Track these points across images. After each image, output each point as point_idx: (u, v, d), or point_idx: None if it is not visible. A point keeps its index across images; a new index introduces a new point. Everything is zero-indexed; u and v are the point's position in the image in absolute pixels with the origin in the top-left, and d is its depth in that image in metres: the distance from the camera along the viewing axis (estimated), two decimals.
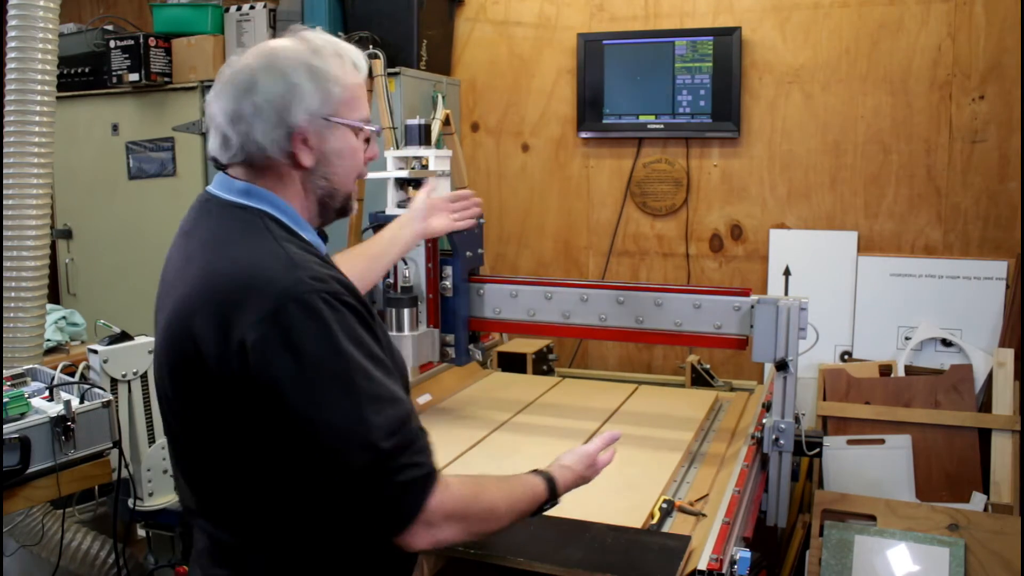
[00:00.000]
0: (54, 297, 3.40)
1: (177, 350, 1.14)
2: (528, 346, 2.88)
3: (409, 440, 1.10)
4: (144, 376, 1.95)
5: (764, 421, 2.07)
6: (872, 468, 2.73)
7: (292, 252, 1.14)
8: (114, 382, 1.89)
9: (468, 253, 2.33)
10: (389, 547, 1.13)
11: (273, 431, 1.08)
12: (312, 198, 1.25)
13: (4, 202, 2.11)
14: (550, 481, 1.37)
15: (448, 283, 2.27)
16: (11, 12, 2.09)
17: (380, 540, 1.13)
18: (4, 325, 2.11)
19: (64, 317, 2.58)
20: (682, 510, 1.80)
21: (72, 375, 1.86)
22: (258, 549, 1.19)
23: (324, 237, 1.30)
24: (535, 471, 1.38)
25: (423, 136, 2.33)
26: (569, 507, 1.76)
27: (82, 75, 3.53)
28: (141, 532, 2.00)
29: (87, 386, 1.77)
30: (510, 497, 1.28)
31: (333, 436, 1.06)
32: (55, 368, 1.88)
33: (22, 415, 1.65)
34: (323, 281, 1.11)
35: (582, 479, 1.45)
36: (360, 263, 1.74)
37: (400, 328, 2.18)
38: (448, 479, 1.15)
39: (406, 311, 2.18)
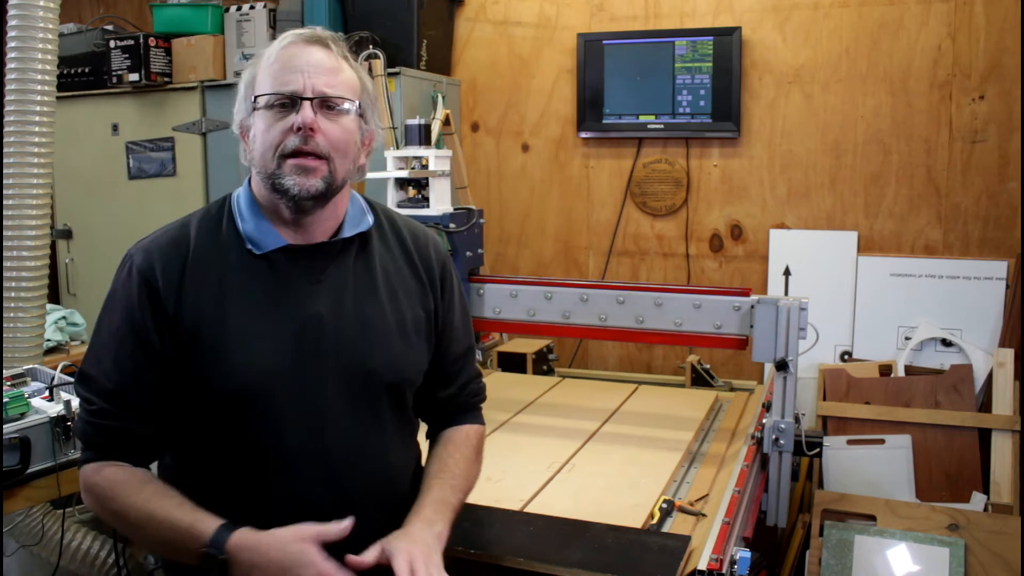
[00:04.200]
0: (54, 297, 3.40)
1: None
2: (528, 346, 2.88)
3: (86, 402, 1.25)
4: None
5: (764, 421, 2.08)
6: (872, 468, 2.73)
7: (173, 225, 1.31)
8: None
9: (468, 253, 2.33)
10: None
11: None
12: (261, 183, 1.28)
13: (4, 202, 2.11)
14: (221, 534, 1.15)
15: None
16: (11, 12, 2.09)
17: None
18: (4, 325, 2.11)
19: (64, 317, 2.58)
20: (682, 510, 1.80)
21: (72, 375, 1.86)
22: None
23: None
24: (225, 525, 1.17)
25: (423, 136, 2.33)
26: (569, 507, 1.76)
27: (82, 75, 3.53)
28: None
29: None
30: (144, 514, 1.19)
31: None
32: (55, 368, 1.88)
33: (22, 415, 1.65)
34: (139, 248, 1.29)
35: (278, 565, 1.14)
36: None
37: None
38: (111, 467, 1.24)
39: None
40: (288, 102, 1.23)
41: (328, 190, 1.25)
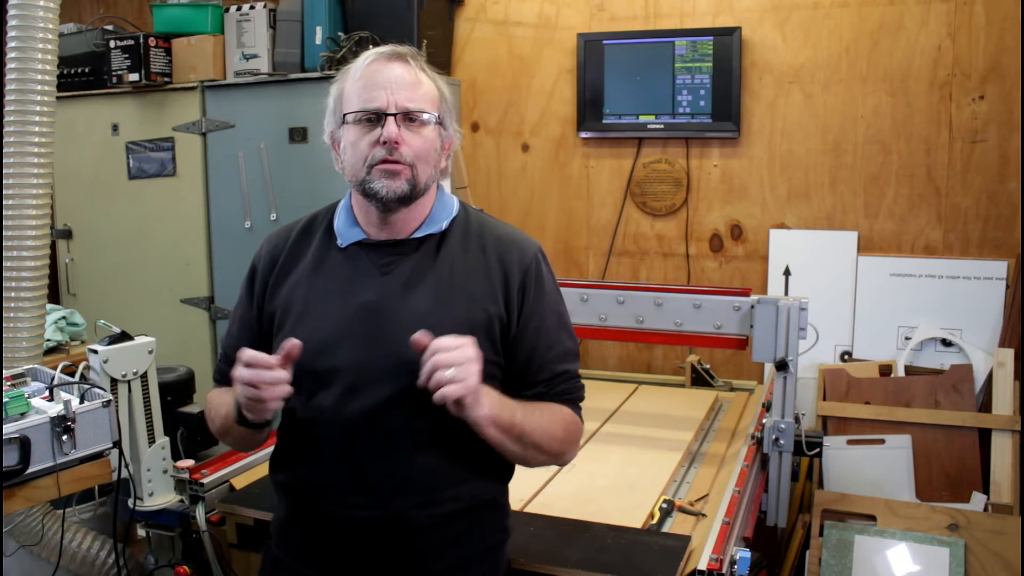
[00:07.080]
0: (54, 297, 3.40)
1: None
2: None
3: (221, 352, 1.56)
4: (144, 376, 1.95)
5: (764, 421, 2.08)
6: (872, 468, 2.73)
7: (298, 218, 1.52)
8: (114, 382, 1.89)
9: None
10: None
11: None
12: (353, 188, 1.43)
13: (4, 202, 2.11)
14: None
15: None
16: (11, 12, 2.09)
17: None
18: (4, 325, 2.11)
19: (64, 317, 2.58)
20: (682, 510, 1.80)
21: (72, 375, 1.86)
22: None
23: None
24: None
25: None
26: (569, 507, 1.76)
27: (82, 75, 3.52)
28: (141, 532, 2.00)
29: (87, 386, 1.77)
30: (218, 401, 1.48)
31: None
32: (55, 368, 1.88)
33: (22, 415, 1.64)
34: (267, 235, 1.53)
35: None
36: None
37: None
38: (216, 389, 1.53)
39: None
40: (374, 117, 1.35)
41: (412, 192, 1.37)
